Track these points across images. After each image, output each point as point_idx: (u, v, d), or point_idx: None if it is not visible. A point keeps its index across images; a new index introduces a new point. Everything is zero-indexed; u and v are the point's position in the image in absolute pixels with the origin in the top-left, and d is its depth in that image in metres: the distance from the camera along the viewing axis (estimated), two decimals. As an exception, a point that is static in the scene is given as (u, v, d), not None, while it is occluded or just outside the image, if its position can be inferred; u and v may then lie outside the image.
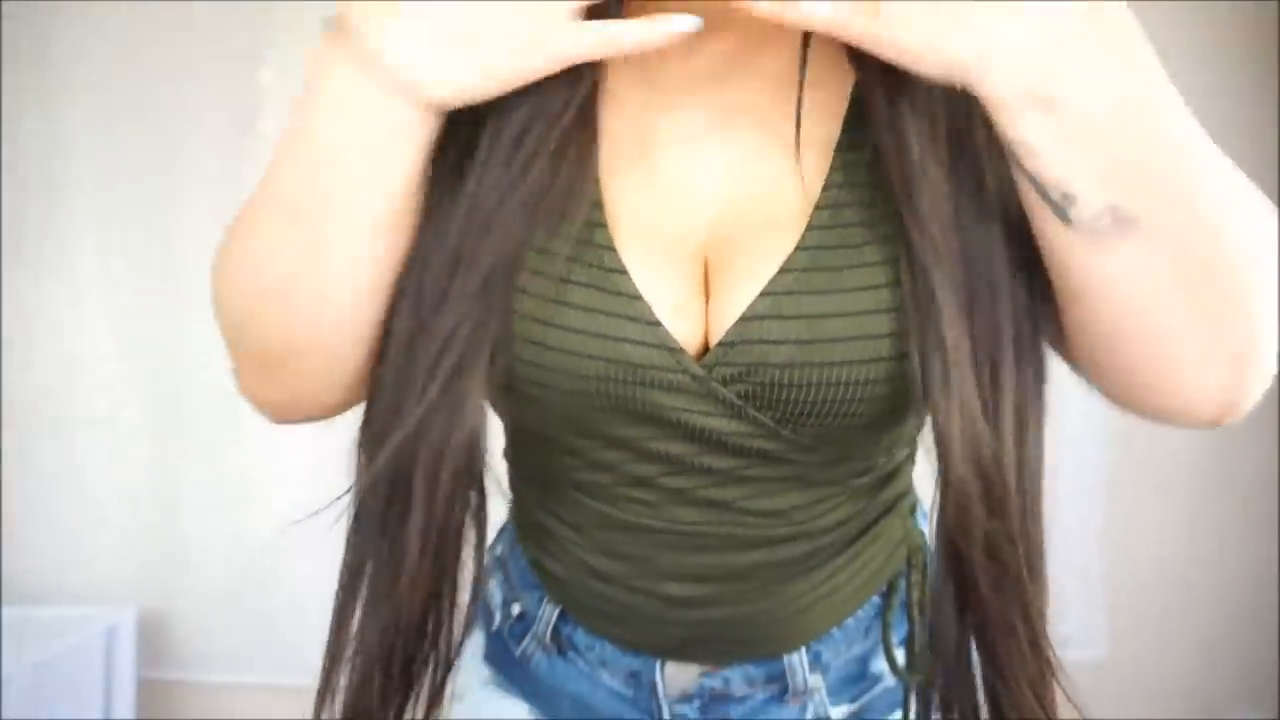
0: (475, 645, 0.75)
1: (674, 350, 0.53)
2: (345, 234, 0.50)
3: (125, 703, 2.04)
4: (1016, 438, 0.55)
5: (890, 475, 0.67)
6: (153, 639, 2.13)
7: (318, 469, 2.23)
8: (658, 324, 0.52)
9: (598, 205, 0.53)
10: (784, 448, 0.57)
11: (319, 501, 2.30)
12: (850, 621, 0.68)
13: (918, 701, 0.61)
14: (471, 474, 0.54)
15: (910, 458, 0.69)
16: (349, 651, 0.59)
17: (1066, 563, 2.14)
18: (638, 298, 0.52)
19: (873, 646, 0.69)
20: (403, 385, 0.52)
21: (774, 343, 0.52)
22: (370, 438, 0.58)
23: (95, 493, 2.16)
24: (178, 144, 2.15)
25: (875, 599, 0.69)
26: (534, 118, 0.49)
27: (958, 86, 0.43)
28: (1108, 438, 2.15)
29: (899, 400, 0.55)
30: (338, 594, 0.60)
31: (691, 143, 0.55)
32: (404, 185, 0.49)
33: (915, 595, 0.68)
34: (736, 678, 0.67)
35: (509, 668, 0.72)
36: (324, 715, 0.60)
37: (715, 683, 0.67)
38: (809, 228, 0.53)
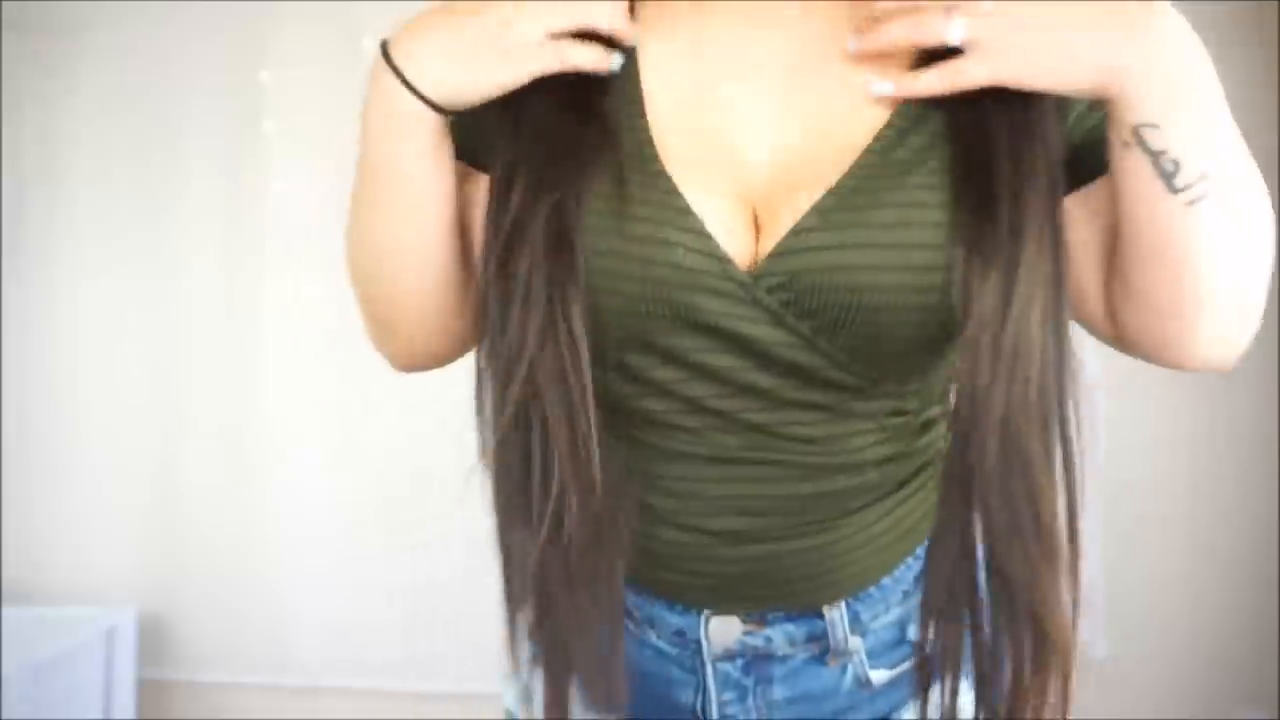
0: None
1: (722, 258, 0.59)
2: (398, 203, 0.65)
3: (125, 703, 2.04)
4: (1042, 341, 0.57)
5: (923, 427, 0.68)
6: (153, 639, 2.13)
7: (318, 470, 2.25)
8: (708, 235, 0.59)
9: (649, 144, 0.61)
10: (821, 362, 0.60)
11: (319, 502, 2.31)
12: (887, 581, 0.69)
13: (921, 675, 0.64)
14: (586, 386, 0.60)
15: (944, 414, 0.70)
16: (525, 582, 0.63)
17: (1066, 563, 2.14)
18: (689, 212, 0.59)
19: (910, 611, 0.70)
20: (506, 315, 0.60)
21: (817, 249, 0.58)
22: (498, 370, 0.62)
23: (95, 493, 2.16)
24: (178, 144, 2.14)
25: (911, 562, 0.70)
26: (578, 85, 0.61)
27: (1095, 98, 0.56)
28: (1107, 439, 2.15)
29: (931, 325, 0.59)
30: (499, 528, 0.64)
31: (745, 96, 0.63)
32: (426, 164, 0.63)
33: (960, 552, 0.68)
34: (778, 636, 0.68)
35: None
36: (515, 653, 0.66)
37: (757, 641, 0.68)
38: (857, 164, 0.60)
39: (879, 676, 0.70)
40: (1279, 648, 2.16)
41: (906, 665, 0.70)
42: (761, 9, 0.63)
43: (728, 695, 0.70)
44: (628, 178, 0.60)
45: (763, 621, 0.69)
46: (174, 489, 2.15)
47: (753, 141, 0.62)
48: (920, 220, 0.58)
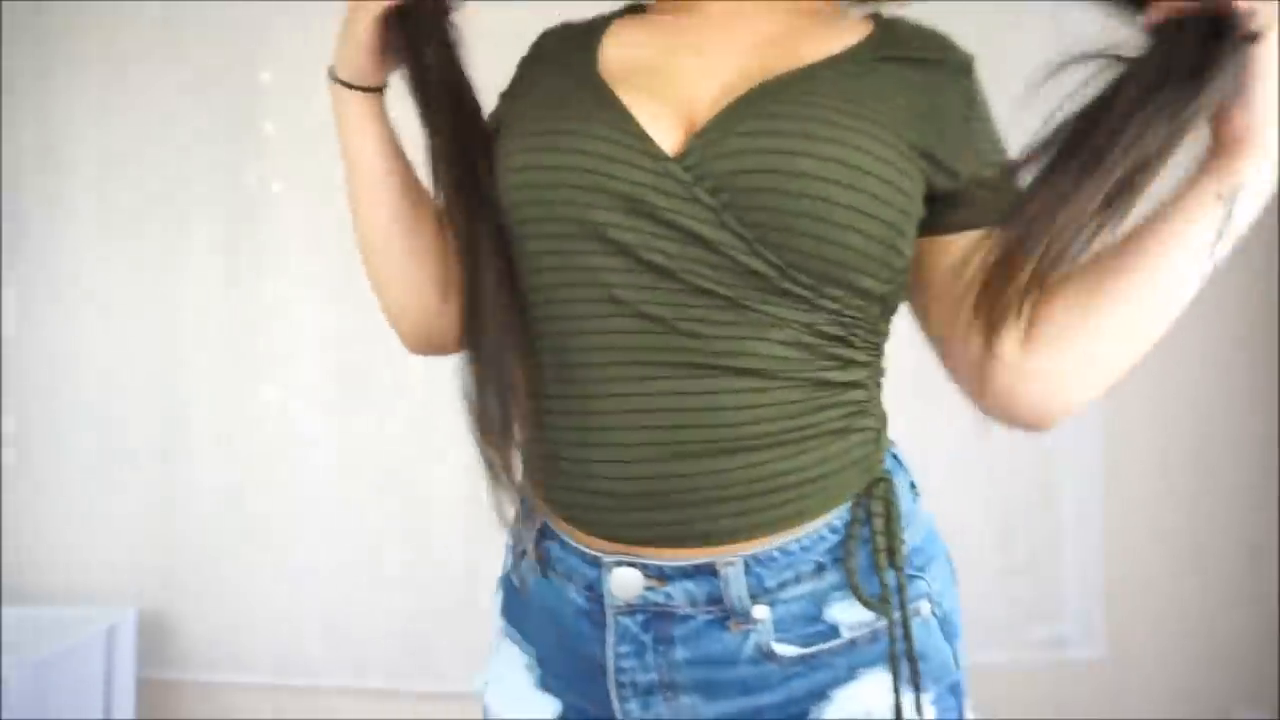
0: (498, 601, 0.82)
1: (640, 135, 0.66)
2: (357, 186, 0.78)
3: (125, 703, 2.04)
4: None
5: (846, 371, 0.69)
6: (153, 639, 2.14)
7: (318, 469, 2.25)
8: (630, 117, 0.67)
9: (593, 71, 0.73)
10: (728, 239, 0.64)
11: (319, 502, 2.31)
12: (794, 546, 0.68)
13: (896, 661, 0.66)
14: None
15: (873, 383, 0.72)
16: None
17: (1066, 563, 2.14)
18: (616, 104, 0.68)
19: (828, 590, 0.69)
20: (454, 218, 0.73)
21: (740, 134, 0.64)
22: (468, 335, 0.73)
23: (95, 493, 2.16)
24: (178, 143, 2.15)
25: (827, 534, 0.69)
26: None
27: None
28: (1107, 439, 2.15)
29: (858, 230, 0.64)
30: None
31: (697, 67, 0.71)
32: (365, 141, 0.77)
33: (878, 526, 0.68)
34: (679, 593, 0.68)
35: (514, 607, 0.79)
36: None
37: (658, 597, 0.68)
38: (790, 71, 0.68)
39: (785, 650, 0.68)
40: (1279, 648, 2.16)
41: (823, 648, 0.69)
42: (726, 11, 0.75)
43: (625, 649, 0.70)
44: (566, 89, 0.71)
45: (663, 577, 0.68)
46: (174, 489, 2.15)
47: (701, 89, 0.69)
48: (867, 133, 0.64)
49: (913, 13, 0.77)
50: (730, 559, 0.67)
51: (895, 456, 0.75)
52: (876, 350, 0.72)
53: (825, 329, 0.67)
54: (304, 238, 2.13)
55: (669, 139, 0.66)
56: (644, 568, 0.68)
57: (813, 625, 0.69)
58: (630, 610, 0.70)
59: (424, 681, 2.09)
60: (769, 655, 0.68)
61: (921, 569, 0.71)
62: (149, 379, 2.15)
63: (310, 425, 2.12)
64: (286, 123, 2.14)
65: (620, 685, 0.71)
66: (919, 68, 0.70)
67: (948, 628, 0.72)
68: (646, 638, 0.70)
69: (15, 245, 2.17)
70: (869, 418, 0.71)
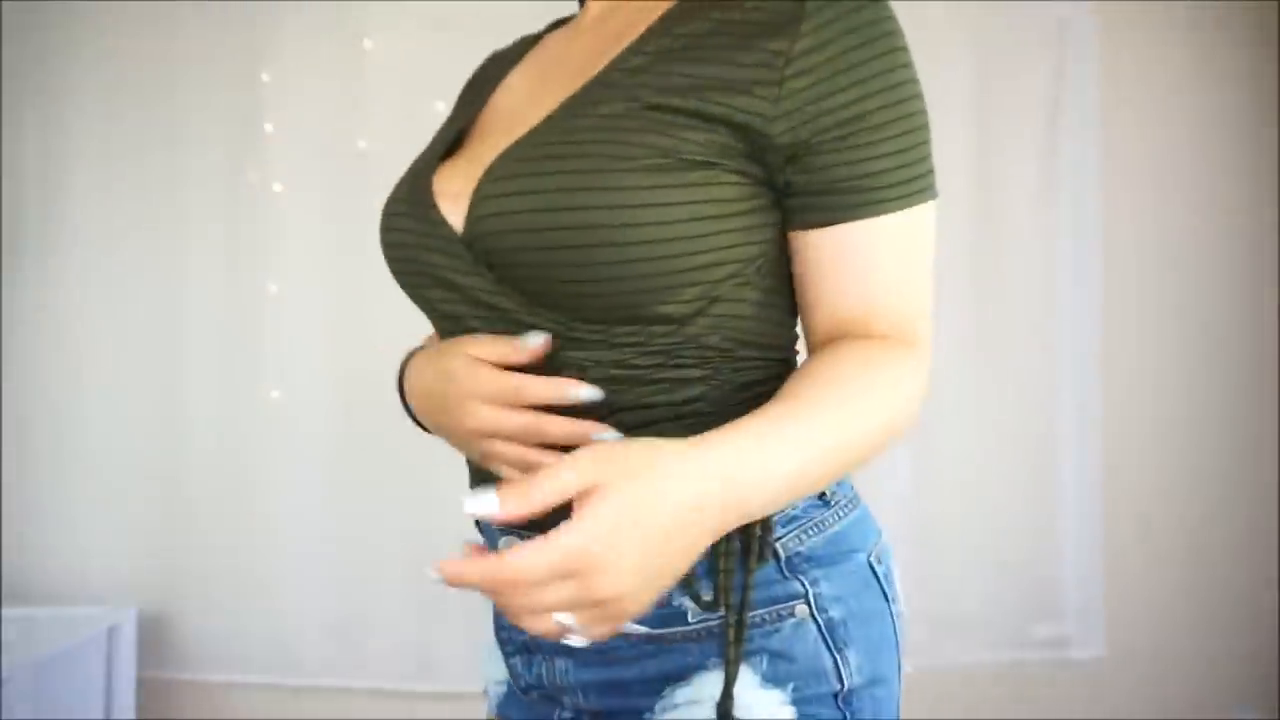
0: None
1: (436, 223, 0.69)
2: None
3: (125, 703, 2.04)
4: None
5: (679, 403, 0.69)
6: (153, 639, 2.14)
7: (318, 469, 2.25)
8: (430, 205, 0.71)
9: (440, 147, 0.77)
10: (515, 306, 0.67)
11: (319, 502, 2.32)
12: None
13: (731, 650, 0.66)
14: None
15: (715, 388, 0.70)
16: None
17: (1066, 563, 2.14)
18: (426, 194, 0.71)
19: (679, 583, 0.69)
20: None
21: (487, 199, 0.66)
22: None
23: (95, 493, 2.16)
24: (178, 144, 2.15)
25: None
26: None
27: None
28: (1107, 439, 2.15)
29: (610, 274, 0.64)
30: None
31: (539, 95, 0.74)
32: None
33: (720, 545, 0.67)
34: None
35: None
36: None
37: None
38: (536, 126, 0.68)
39: (632, 627, 0.67)
40: (1278, 648, 2.16)
41: (672, 631, 0.69)
42: (582, 20, 0.78)
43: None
44: (432, 149, 0.77)
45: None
46: (174, 489, 2.15)
47: (501, 144, 0.70)
48: (631, 165, 0.63)
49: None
50: None
51: None
52: (715, 358, 0.69)
53: (634, 362, 0.67)
54: (304, 238, 2.13)
55: (459, 215, 0.69)
56: (520, 538, 0.70)
57: (665, 607, 0.68)
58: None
59: (424, 681, 2.09)
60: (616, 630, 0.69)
61: (805, 571, 0.70)
62: (149, 379, 2.15)
63: (310, 425, 2.12)
64: (286, 123, 2.14)
65: (501, 642, 0.76)
66: (735, 24, 0.65)
67: (835, 635, 0.69)
68: (529, 637, 0.72)
69: (15, 247, 2.17)
70: (712, 419, 0.68)
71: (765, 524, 0.67)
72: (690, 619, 0.68)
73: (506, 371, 0.67)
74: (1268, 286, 2.16)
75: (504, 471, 0.69)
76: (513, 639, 0.75)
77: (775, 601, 0.69)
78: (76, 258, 2.17)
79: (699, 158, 0.63)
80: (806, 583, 0.69)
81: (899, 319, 0.68)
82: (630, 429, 0.68)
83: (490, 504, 0.54)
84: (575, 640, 0.56)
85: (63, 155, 2.16)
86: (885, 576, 0.74)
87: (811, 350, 0.71)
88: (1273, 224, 2.12)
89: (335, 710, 2.13)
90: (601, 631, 0.56)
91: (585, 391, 0.66)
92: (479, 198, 0.66)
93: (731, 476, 0.58)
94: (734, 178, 0.64)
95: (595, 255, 0.63)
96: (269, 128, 2.14)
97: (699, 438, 0.58)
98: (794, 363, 0.74)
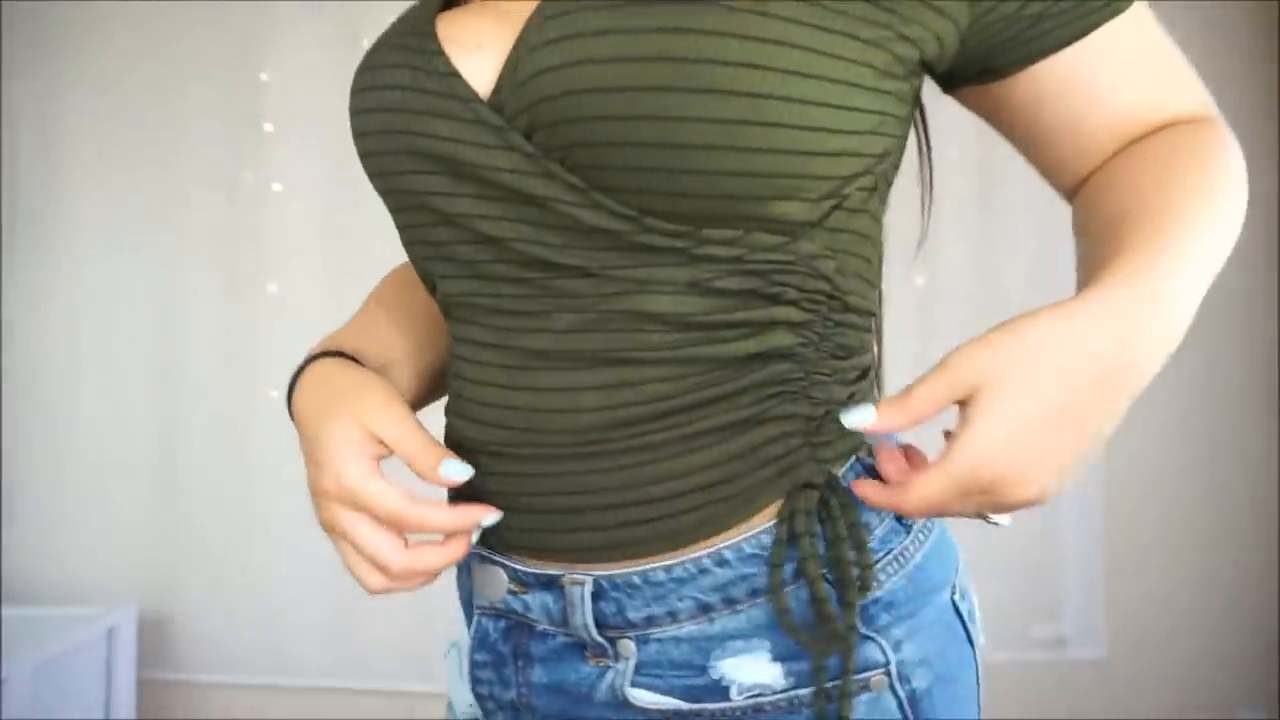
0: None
1: (449, 73, 0.52)
2: None
3: (125, 703, 2.04)
4: None
5: (758, 357, 0.53)
6: (153, 639, 2.14)
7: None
8: (439, 54, 0.53)
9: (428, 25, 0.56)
10: (561, 193, 0.50)
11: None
12: (663, 576, 0.54)
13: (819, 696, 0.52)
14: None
15: (814, 350, 0.54)
16: None
17: (1066, 563, 2.14)
18: (436, 51, 0.53)
19: (722, 637, 0.54)
20: None
21: (546, 51, 0.49)
22: None
23: (95, 493, 2.16)
24: (178, 144, 2.15)
25: (710, 566, 0.54)
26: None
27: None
28: (1107, 439, 2.15)
29: (723, 158, 0.47)
30: None
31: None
32: None
33: (805, 549, 0.52)
34: (535, 604, 0.57)
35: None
36: None
37: (518, 605, 0.58)
38: None
39: (646, 700, 0.55)
40: (1279, 648, 2.16)
41: (711, 709, 0.54)
42: None
43: (481, 657, 0.61)
44: (401, 46, 0.56)
45: (523, 584, 0.58)
46: (174, 489, 2.15)
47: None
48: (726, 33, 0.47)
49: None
50: (578, 576, 0.55)
51: (860, 461, 0.58)
52: (823, 300, 0.53)
53: (719, 285, 0.51)
54: (304, 238, 2.13)
55: (484, 73, 0.51)
56: (507, 569, 0.58)
57: (696, 677, 0.54)
58: (495, 613, 0.60)
59: (423, 681, 2.09)
60: (623, 702, 0.56)
61: (886, 628, 0.54)
62: (149, 380, 2.15)
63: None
64: (286, 123, 2.14)
65: (479, 696, 0.62)
66: None
67: (919, 711, 0.55)
68: (505, 649, 0.60)
69: (15, 247, 2.17)
70: (798, 401, 0.53)
71: (860, 544, 0.53)
72: (733, 694, 0.54)
73: (390, 489, 0.53)
74: (1268, 286, 2.16)
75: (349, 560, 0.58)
76: (495, 696, 0.61)
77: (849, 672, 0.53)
78: (76, 257, 2.17)
79: (856, 14, 0.48)
80: (887, 646, 0.54)
81: (1188, 97, 0.58)
82: (672, 400, 0.52)
83: (867, 416, 0.48)
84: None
85: (62, 155, 2.16)
86: (969, 615, 0.60)
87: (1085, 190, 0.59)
88: (1273, 224, 2.12)
89: (335, 710, 2.13)
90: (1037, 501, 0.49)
91: (491, 518, 0.54)
92: (534, 42, 0.49)
93: (1126, 310, 0.47)
94: (900, 45, 0.50)
95: (685, 124, 0.46)
96: (269, 128, 2.14)
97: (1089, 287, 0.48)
98: (872, 341, 0.61)
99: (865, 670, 0.53)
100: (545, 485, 0.55)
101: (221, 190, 2.14)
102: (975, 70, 0.55)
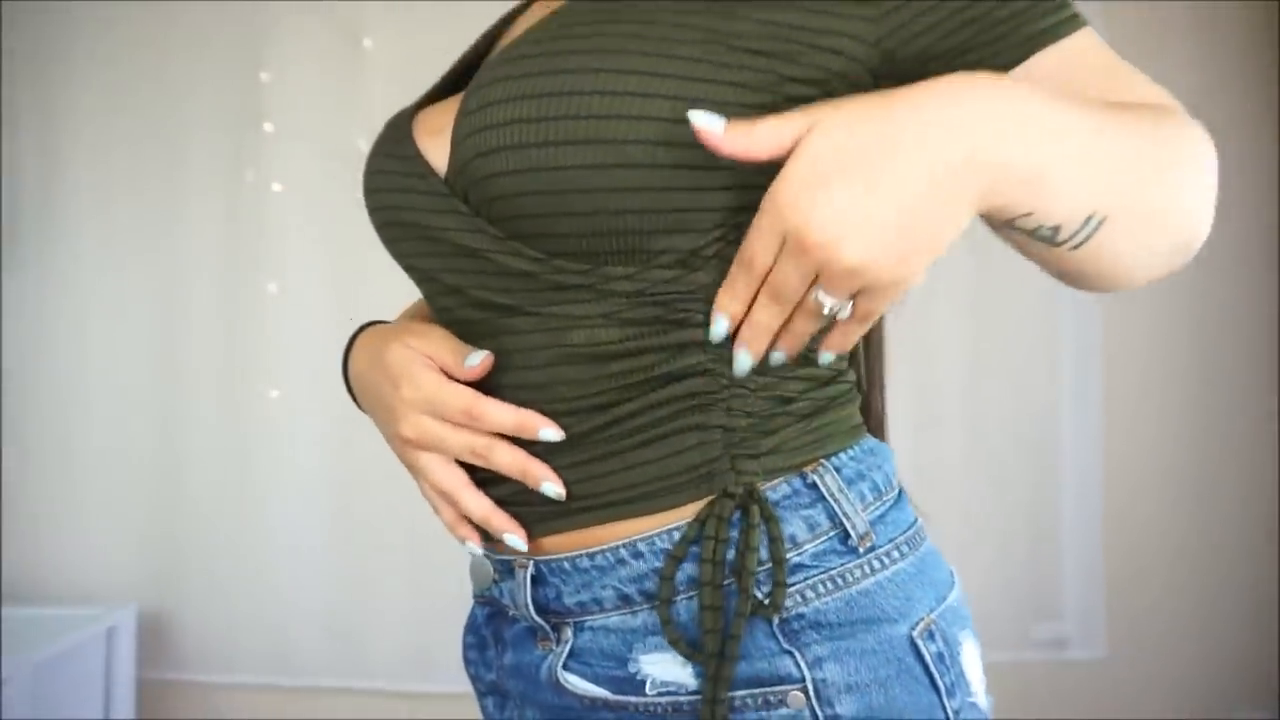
0: None
1: (408, 157, 0.61)
2: None
3: (125, 703, 2.04)
4: None
5: (669, 377, 0.56)
6: (153, 639, 2.14)
7: (317, 469, 2.25)
8: (408, 140, 0.62)
9: (427, 99, 0.69)
10: (489, 245, 0.57)
11: (319, 502, 2.32)
12: (586, 563, 0.58)
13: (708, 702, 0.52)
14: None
15: (725, 368, 0.56)
16: None
17: (1066, 563, 2.14)
18: (410, 140, 0.62)
19: (642, 631, 0.56)
20: None
21: (474, 128, 0.55)
22: None
23: (96, 493, 2.16)
24: (178, 144, 2.15)
25: (627, 557, 0.57)
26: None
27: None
28: (1108, 438, 2.15)
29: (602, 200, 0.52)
30: None
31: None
32: None
33: (706, 553, 0.54)
34: (505, 591, 0.63)
35: None
36: None
37: (497, 592, 0.64)
38: (530, 31, 0.57)
39: (576, 685, 0.58)
40: (1279, 648, 2.16)
41: (633, 702, 0.56)
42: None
43: (470, 639, 0.69)
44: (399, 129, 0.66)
45: (500, 572, 0.63)
46: (174, 489, 2.15)
47: None
48: (633, 55, 0.52)
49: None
50: (524, 561, 0.60)
51: (804, 478, 0.57)
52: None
53: (628, 315, 0.55)
54: (304, 238, 2.13)
55: (443, 151, 0.59)
56: (490, 559, 0.63)
57: (618, 668, 0.57)
58: (483, 601, 0.67)
59: (424, 681, 2.09)
60: (558, 685, 0.59)
61: (807, 645, 0.53)
62: (149, 379, 2.15)
63: (310, 425, 2.12)
64: (286, 123, 2.14)
65: (470, 678, 0.69)
66: None
67: None
68: (488, 633, 0.67)
69: (15, 245, 2.17)
70: (713, 412, 0.56)
71: (777, 557, 0.53)
72: (648, 689, 0.56)
73: (460, 386, 0.58)
74: (1268, 286, 2.16)
75: (427, 493, 0.63)
76: (481, 677, 0.68)
77: (761, 683, 0.53)
78: (76, 257, 2.17)
79: (755, 46, 0.52)
80: (804, 663, 0.53)
81: (1150, 97, 0.54)
82: (592, 432, 0.56)
83: (715, 123, 0.47)
84: (850, 328, 0.50)
85: (62, 155, 2.16)
86: (940, 660, 0.56)
87: None
88: (1273, 224, 2.12)
89: (335, 710, 2.13)
90: (874, 307, 0.48)
91: (551, 432, 0.56)
92: (460, 117, 0.56)
93: (991, 103, 0.46)
94: (789, 86, 0.52)
95: (586, 156, 0.51)
96: (269, 128, 2.14)
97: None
98: (841, 386, 0.61)
99: (777, 684, 0.53)
100: (493, 474, 0.60)
101: (221, 190, 2.14)
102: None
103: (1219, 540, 2.18)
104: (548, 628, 0.60)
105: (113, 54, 2.16)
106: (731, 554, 0.54)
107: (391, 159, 0.62)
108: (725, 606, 0.53)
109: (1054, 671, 2.14)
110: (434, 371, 0.59)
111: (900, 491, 0.63)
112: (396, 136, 0.63)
